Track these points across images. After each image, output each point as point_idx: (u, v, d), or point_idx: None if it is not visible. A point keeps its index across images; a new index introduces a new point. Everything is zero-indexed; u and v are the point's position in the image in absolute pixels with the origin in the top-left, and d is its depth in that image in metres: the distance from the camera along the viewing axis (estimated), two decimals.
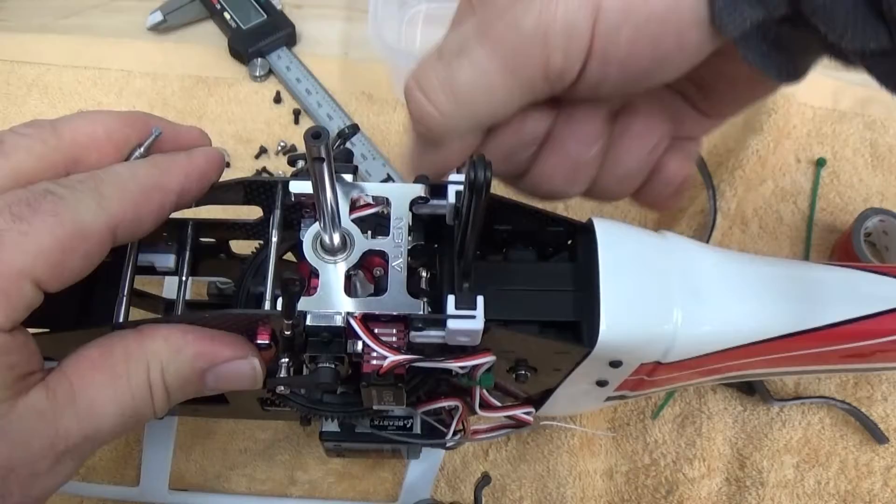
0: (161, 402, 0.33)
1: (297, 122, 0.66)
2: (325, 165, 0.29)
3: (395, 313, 0.33)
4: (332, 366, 0.34)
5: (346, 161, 0.39)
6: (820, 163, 0.64)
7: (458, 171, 0.37)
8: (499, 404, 0.39)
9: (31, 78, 0.67)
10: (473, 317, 0.32)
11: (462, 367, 0.34)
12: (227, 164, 0.36)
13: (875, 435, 0.54)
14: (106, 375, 0.32)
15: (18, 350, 0.30)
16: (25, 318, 0.30)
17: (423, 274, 0.36)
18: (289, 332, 0.33)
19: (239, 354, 0.34)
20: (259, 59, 0.67)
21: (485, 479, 0.49)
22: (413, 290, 0.34)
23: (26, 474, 0.30)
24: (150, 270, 0.40)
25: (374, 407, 0.38)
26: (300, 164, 0.40)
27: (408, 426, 0.43)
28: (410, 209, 0.36)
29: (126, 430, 0.33)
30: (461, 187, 0.35)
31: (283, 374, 0.35)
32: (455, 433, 0.40)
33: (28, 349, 0.30)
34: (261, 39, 0.67)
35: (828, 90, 0.67)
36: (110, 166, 0.33)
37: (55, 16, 0.70)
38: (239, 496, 0.53)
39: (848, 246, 0.58)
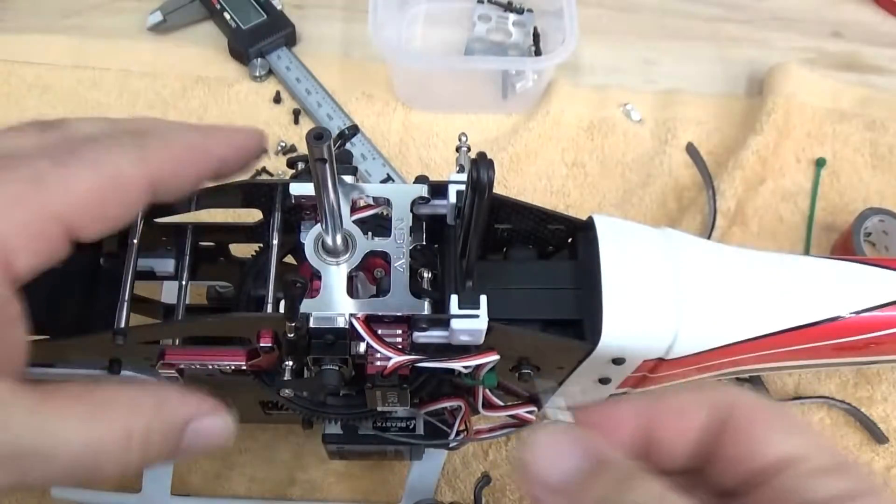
0: (136, 452, 0.30)
1: (296, 122, 0.66)
2: (327, 166, 0.29)
3: (398, 314, 0.33)
4: (336, 368, 0.34)
5: (345, 162, 0.39)
6: (820, 163, 0.64)
7: (460, 171, 0.37)
8: (501, 403, 0.39)
9: (31, 78, 0.67)
10: (477, 316, 0.32)
11: (466, 367, 0.34)
12: (265, 151, 0.37)
13: (875, 435, 0.54)
14: (85, 410, 0.29)
15: (9, 316, 0.28)
16: (43, 268, 0.29)
17: (426, 274, 0.36)
18: (292, 335, 0.32)
19: (216, 410, 0.33)
20: (259, 59, 0.67)
21: (485, 479, 0.49)
22: (415, 290, 0.34)
23: None
24: (150, 275, 0.40)
25: (379, 408, 0.38)
26: (300, 165, 0.39)
27: (411, 427, 0.43)
28: (411, 210, 0.36)
29: (80, 473, 0.29)
30: (462, 187, 0.35)
31: (286, 377, 0.35)
32: (458, 433, 0.40)
33: (15, 333, 0.28)
34: (261, 39, 0.67)
35: (828, 90, 0.67)
36: (156, 123, 0.33)
37: (55, 16, 0.70)
38: (240, 500, 0.52)
39: (848, 245, 0.58)
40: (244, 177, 0.37)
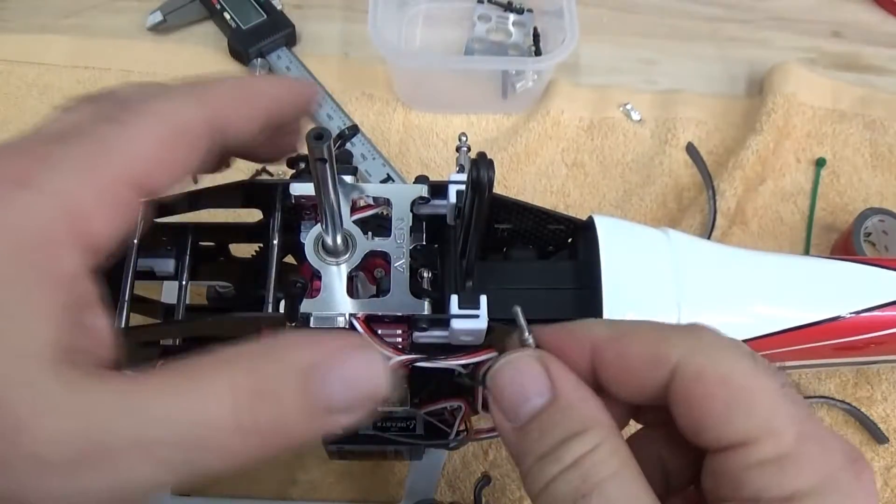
0: (249, 414, 0.24)
1: None
2: (327, 166, 0.29)
3: (398, 314, 0.33)
4: None
5: (345, 162, 0.39)
6: (820, 163, 0.64)
7: (460, 171, 0.37)
8: None
9: (31, 78, 0.67)
10: (477, 316, 0.32)
11: (465, 365, 0.34)
12: (320, 105, 0.36)
13: (875, 435, 0.54)
14: (177, 379, 0.24)
15: (87, 294, 0.26)
16: (123, 234, 0.27)
17: (426, 274, 0.36)
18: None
19: (349, 343, 0.26)
20: (259, 59, 0.67)
21: (485, 479, 0.49)
22: (415, 290, 0.34)
23: (30, 458, 0.22)
24: (150, 275, 0.40)
25: (379, 409, 0.38)
26: (300, 165, 0.39)
27: (411, 427, 0.42)
28: (411, 210, 0.36)
29: (198, 453, 0.24)
30: (462, 187, 0.35)
31: None
32: (458, 433, 0.40)
33: (91, 317, 0.26)
34: (261, 39, 0.67)
35: (828, 90, 0.67)
36: (207, 76, 0.33)
37: (55, 16, 0.70)
38: (240, 500, 0.52)
39: (848, 245, 0.58)
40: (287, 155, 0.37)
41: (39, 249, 0.25)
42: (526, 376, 0.27)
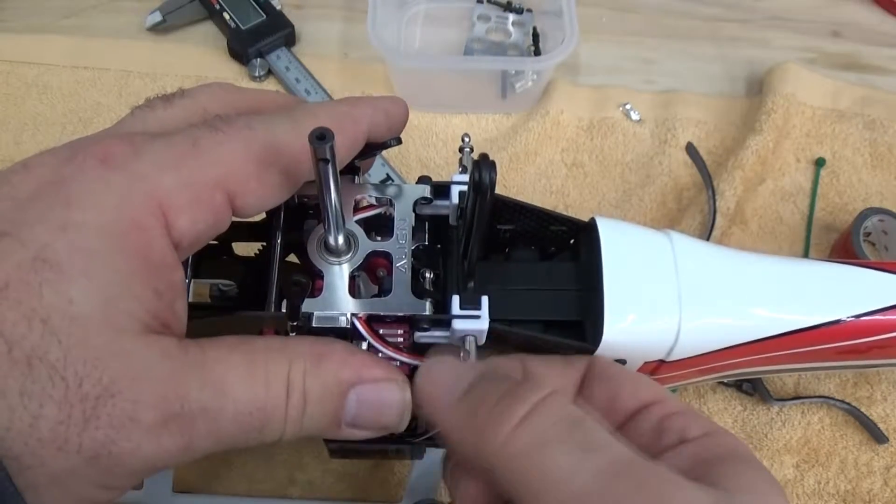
0: (295, 409, 0.29)
1: None
2: (329, 167, 0.29)
3: (400, 314, 0.33)
4: None
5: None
6: (819, 162, 0.64)
7: (462, 172, 0.37)
8: None
9: (31, 78, 0.67)
10: (478, 317, 0.32)
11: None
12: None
13: (875, 435, 0.54)
14: (243, 359, 0.28)
15: (176, 282, 0.28)
16: (204, 238, 0.29)
17: (428, 275, 0.36)
18: (293, 334, 0.33)
19: (390, 376, 0.31)
20: (258, 60, 0.67)
21: None
22: (417, 290, 0.34)
23: (123, 417, 0.25)
24: None
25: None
26: None
27: (412, 426, 0.42)
28: (414, 210, 0.36)
29: (246, 431, 0.28)
30: (464, 188, 0.35)
31: None
32: None
33: (179, 303, 0.28)
34: (260, 39, 0.67)
35: (827, 90, 0.68)
36: (297, 99, 0.33)
37: (55, 16, 0.70)
38: (241, 498, 0.52)
39: (847, 245, 0.58)
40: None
41: (131, 234, 0.26)
42: (458, 363, 0.31)
